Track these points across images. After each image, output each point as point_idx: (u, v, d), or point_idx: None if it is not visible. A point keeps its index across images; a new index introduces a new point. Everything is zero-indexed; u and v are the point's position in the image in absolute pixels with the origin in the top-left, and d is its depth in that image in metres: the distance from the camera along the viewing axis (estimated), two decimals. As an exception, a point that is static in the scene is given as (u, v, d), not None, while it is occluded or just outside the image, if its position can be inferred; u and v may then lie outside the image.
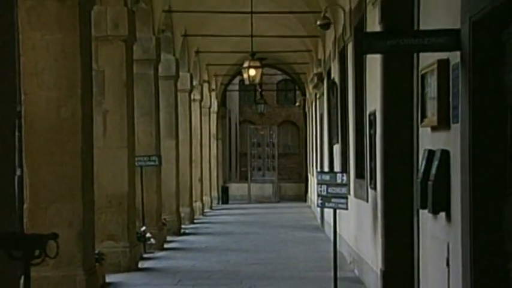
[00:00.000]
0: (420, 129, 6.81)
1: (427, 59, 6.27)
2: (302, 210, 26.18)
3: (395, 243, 8.62)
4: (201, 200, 24.69)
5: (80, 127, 9.00)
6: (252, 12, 17.20)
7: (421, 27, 6.78)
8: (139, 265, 12.66)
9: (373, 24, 9.27)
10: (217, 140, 29.94)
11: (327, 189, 9.76)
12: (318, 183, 9.98)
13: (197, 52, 22.13)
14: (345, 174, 9.91)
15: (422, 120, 6.53)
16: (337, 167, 14.50)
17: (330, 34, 15.44)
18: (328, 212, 13.81)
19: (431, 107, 6.12)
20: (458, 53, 5.48)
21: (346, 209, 9.76)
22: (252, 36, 18.29)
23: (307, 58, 23.05)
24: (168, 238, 16.27)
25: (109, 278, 11.00)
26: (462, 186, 5.40)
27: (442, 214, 5.99)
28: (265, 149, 34.30)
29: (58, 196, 8.90)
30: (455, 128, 5.61)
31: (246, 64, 19.58)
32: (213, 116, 28.77)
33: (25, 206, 8.86)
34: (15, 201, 5.28)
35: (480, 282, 5.16)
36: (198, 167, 23.78)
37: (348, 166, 12.47)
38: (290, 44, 22.30)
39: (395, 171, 8.58)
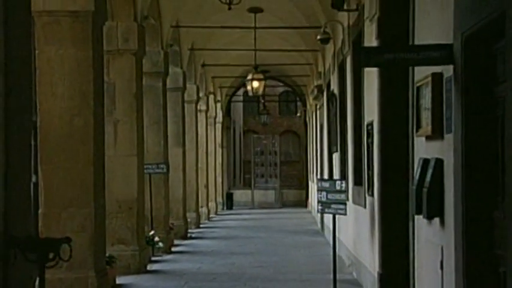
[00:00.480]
0: (415, 138, 6.81)
1: (422, 72, 6.27)
2: (303, 215, 26.16)
3: (391, 247, 8.60)
4: (207, 205, 24.68)
5: (92, 136, 9.01)
6: (255, 28, 17.24)
7: (416, 42, 6.79)
8: (148, 267, 12.66)
9: (371, 39, 9.27)
10: (222, 148, 29.94)
11: (326, 195, 9.75)
12: (318, 190, 9.98)
13: (203, 65, 22.15)
14: (343, 182, 9.90)
15: (417, 130, 6.52)
16: (336, 175, 14.49)
17: (330, 48, 15.45)
18: (328, 217, 13.79)
19: (426, 118, 6.12)
20: (451, 66, 5.49)
21: (345, 214, 9.75)
22: (255, 50, 18.35)
23: (307, 71, 23.06)
24: (175, 242, 16.25)
25: (119, 280, 11.00)
26: (455, 193, 5.40)
27: (436, 219, 5.98)
28: (267, 157, 34.29)
29: (71, 202, 8.90)
30: (449, 137, 5.61)
31: (249, 76, 19.63)
32: (218, 126, 28.77)
33: (40, 211, 8.86)
34: (31, 207, 5.28)
35: (473, 284, 5.16)
36: (204, 174, 23.77)
37: (347, 174, 12.46)
38: (291, 58, 22.32)
39: (392, 179, 8.56)
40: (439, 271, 5.90)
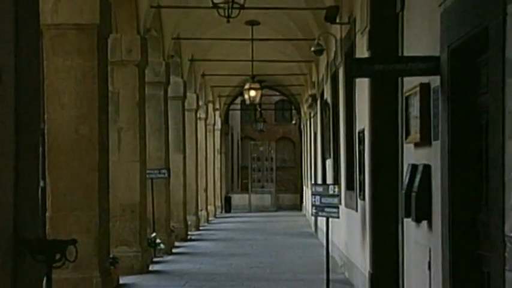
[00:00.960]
0: (404, 145, 6.82)
1: (411, 83, 6.29)
2: (298, 218, 26.14)
3: (382, 248, 8.60)
4: (206, 209, 24.66)
5: (97, 143, 9.02)
6: (252, 40, 17.26)
7: (405, 54, 6.80)
8: (150, 268, 12.65)
9: (362, 50, 9.29)
10: (220, 154, 29.93)
11: (320, 199, 9.76)
12: (312, 194, 9.98)
13: (203, 75, 22.17)
14: (336, 186, 9.90)
15: (406, 138, 6.53)
16: (329, 180, 14.50)
17: (323, 59, 15.48)
18: (322, 220, 13.80)
19: (415, 126, 6.14)
20: (438, 77, 5.51)
21: (338, 217, 9.76)
22: (252, 61, 18.36)
23: (302, 81, 23.09)
24: (176, 244, 16.24)
25: (122, 280, 10.99)
26: (442, 197, 5.42)
27: (424, 222, 6.00)
28: (264, 163, 34.28)
29: (77, 205, 8.91)
30: (436, 144, 5.63)
31: (247, 86, 19.65)
32: (217, 133, 28.76)
33: (47, 214, 8.87)
34: (39, 210, 5.29)
35: (458, 284, 5.17)
36: (203, 179, 23.76)
37: (339, 179, 12.47)
38: (287, 68, 22.35)
39: (382, 184, 8.56)
40: (427, 271, 5.91)
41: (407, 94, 6.40)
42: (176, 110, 17.29)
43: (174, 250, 15.39)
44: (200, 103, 22.17)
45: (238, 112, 38.28)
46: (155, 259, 13.67)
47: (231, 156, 36.32)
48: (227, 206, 30.78)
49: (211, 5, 9.50)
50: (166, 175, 14.79)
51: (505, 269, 3.99)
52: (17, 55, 4.53)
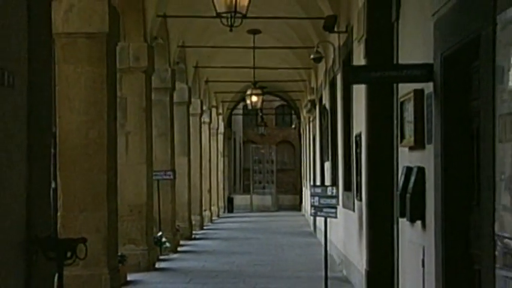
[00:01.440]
0: (399, 148, 6.81)
1: (405, 89, 6.29)
2: (297, 218, 26.12)
3: (378, 247, 8.60)
4: (210, 209, 24.65)
5: (106, 146, 9.03)
6: (254, 47, 17.29)
7: (400, 62, 6.81)
8: (156, 265, 12.65)
9: (359, 58, 9.30)
10: (223, 157, 29.93)
11: (319, 200, 9.75)
12: (311, 195, 9.98)
13: (207, 81, 22.19)
14: (334, 188, 9.90)
15: (401, 141, 6.53)
16: (327, 181, 14.49)
17: (322, 66, 15.49)
18: (320, 220, 13.79)
19: (409, 130, 6.14)
20: (431, 83, 5.51)
21: (336, 217, 9.75)
22: (254, 68, 18.39)
23: (301, 87, 23.10)
24: (181, 242, 16.24)
25: (130, 277, 10.99)
26: (435, 198, 5.42)
27: (418, 222, 5.99)
28: (265, 165, 34.28)
29: (87, 205, 8.93)
30: (429, 148, 5.63)
31: (248, 92, 19.68)
32: (220, 137, 28.77)
33: (59, 213, 8.88)
34: (51, 210, 5.30)
35: (451, 281, 5.17)
36: (207, 180, 23.76)
37: (337, 180, 12.47)
38: (287, 75, 22.36)
39: (378, 185, 8.56)
40: (421, 269, 5.91)
41: (402, 100, 6.40)
42: (181, 115, 17.31)
43: (179, 248, 15.38)
44: (204, 108, 22.18)
45: (241, 117, 38.29)
46: (161, 257, 13.67)
47: (234, 159, 36.32)
48: (230, 206, 30.78)
49: (214, 14, 9.54)
50: (171, 177, 14.79)
51: (495, 267, 3.99)
52: (29, 62, 4.55)
